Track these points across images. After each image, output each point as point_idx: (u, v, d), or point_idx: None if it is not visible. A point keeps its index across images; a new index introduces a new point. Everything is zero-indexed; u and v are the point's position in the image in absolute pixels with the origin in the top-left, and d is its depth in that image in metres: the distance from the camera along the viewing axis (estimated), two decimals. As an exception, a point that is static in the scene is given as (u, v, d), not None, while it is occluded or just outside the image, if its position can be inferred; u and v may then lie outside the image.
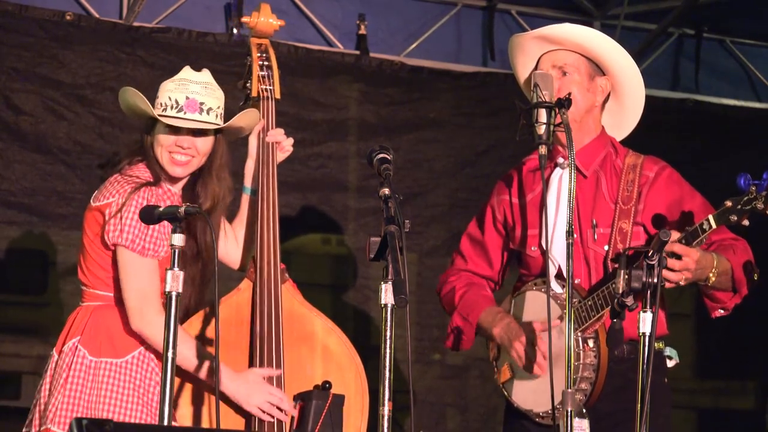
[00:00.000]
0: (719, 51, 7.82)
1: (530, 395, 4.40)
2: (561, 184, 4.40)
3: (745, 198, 4.12)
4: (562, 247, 4.22)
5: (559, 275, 4.36)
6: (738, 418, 7.57)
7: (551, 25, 4.50)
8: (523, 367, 4.37)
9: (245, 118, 4.36)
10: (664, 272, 4.11)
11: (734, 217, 4.14)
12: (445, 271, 4.77)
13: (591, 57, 4.47)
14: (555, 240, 4.34)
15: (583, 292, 4.32)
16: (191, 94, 4.19)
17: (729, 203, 4.15)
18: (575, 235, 4.27)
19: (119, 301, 4.13)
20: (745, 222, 4.16)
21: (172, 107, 4.17)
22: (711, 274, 4.28)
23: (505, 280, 4.75)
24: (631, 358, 4.30)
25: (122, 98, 4.29)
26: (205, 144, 4.24)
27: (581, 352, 4.25)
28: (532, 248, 4.49)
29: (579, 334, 4.26)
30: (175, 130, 4.20)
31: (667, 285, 4.18)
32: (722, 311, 4.48)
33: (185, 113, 4.17)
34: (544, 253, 4.36)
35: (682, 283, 4.22)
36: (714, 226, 4.17)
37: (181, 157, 4.21)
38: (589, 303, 4.29)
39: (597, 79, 4.47)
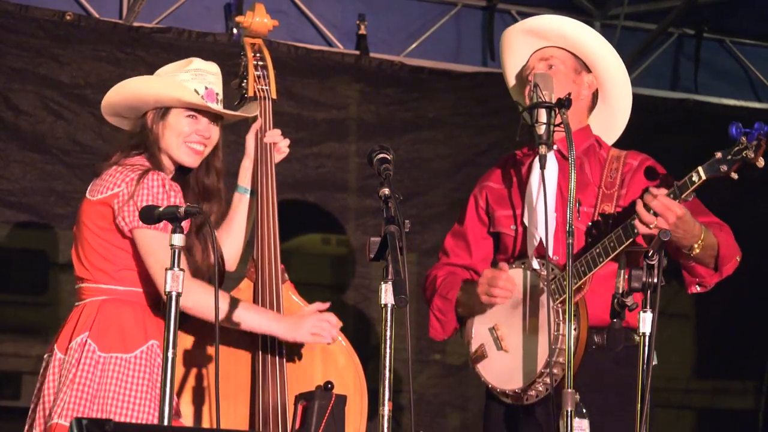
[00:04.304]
0: (719, 51, 7.83)
1: (504, 374, 4.42)
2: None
3: (736, 148, 4.11)
4: (547, 225, 4.26)
5: (541, 254, 4.38)
6: (736, 417, 7.58)
7: (538, 17, 4.54)
8: (496, 302, 4.37)
9: (252, 110, 4.40)
10: (639, 215, 4.12)
11: (724, 167, 4.12)
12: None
13: (578, 54, 4.50)
14: (539, 219, 4.35)
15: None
16: (209, 84, 4.21)
17: (719, 154, 4.14)
18: (556, 214, 4.31)
19: (127, 294, 4.11)
20: (734, 175, 4.13)
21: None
22: (696, 245, 4.27)
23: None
24: (607, 347, 4.30)
25: (139, 86, 4.24)
26: (217, 134, 4.27)
27: (560, 323, 4.25)
28: (512, 227, 4.51)
29: (559, 305, 4.27)
30: (196, 119, 4.21)
31: (642, 230, 4.16)
32: (699, 287, 4.45)
33: (206, 102, 4.19)
34: (525, 232, 4.42)
35: (651, 228, 4.17)
36: (704, 177, 4.15)
37: (199, 146, 4.21)
38: (572, 270, 4.31)
39: (583, 74, 4.52)
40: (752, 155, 4.08)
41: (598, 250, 4.27)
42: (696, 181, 4.15)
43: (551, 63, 4.47)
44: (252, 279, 4.32)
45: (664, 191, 4.18)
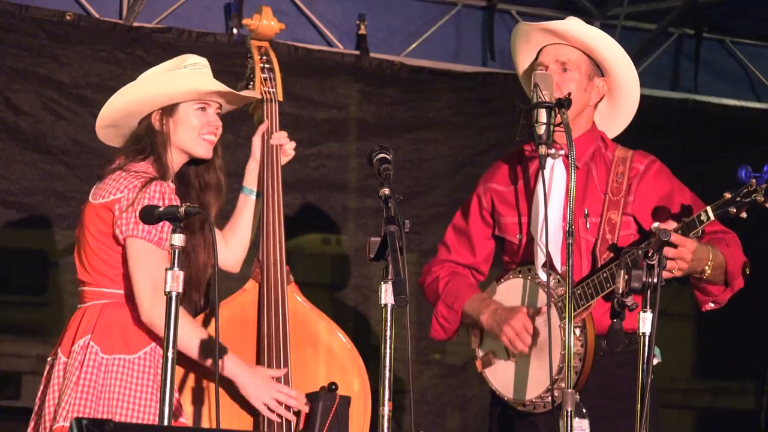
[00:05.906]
0: (719, 51, 7.83)
1: (512, 383, 4.41)
2: (552, 174, 4.41)
3: (745, 190, 4.10)
4: (553, 236, 4.27)
5: (545, 264, 4.36)
6: (736, 417, 7.58)
7: (559, 21, 4.51)
8: (515, 351, 4.36)
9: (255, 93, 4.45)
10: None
11: (733, 210, 4.11)
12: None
13: (594, 57, 4.48)
14: (545, 230, 4.34)
15: (572, 281, 4.32)
16: (206, 75, 4.29)
17: (728, 195, 4.12)
18: (564, 223, 4.28)
19: (129, 298, 4.11)
20: (743, 215, 4.14)
21: None
22: (707, 267, 4.28)
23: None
24: (617, 352, 4.29)
25: (149, 85, 4.27)
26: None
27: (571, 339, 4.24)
28: (517, 236, 4.50)
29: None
30: (204, 111, 4.24)
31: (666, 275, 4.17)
32: (713, 305, 4.46)
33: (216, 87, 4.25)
34: (530, 241, 4.40)
35: (675, 272, 4.21)
36: (712, 218, 4.15)
37: (212, 137, 4.26)
38: (579, 292, 4.29)
39: (595, 80, 4.49)
40: (761, 198, 4.08)
41: (605, 275, 4.27)
42: (704, 221, 4.16)
43: (567, 67, 4.43)
44: (257, 280, 4.32)
45: (673, 224, 4.18)
